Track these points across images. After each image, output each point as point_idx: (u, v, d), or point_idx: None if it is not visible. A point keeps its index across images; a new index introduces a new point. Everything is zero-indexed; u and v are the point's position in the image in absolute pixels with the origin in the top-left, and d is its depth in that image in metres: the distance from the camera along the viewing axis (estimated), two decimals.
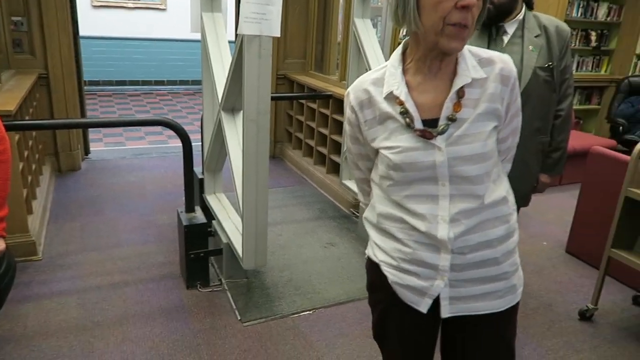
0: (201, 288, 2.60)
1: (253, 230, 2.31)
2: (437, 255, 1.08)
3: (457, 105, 1.03)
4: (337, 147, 4.04)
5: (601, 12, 5.46)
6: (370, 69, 2.95)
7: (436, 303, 1.11)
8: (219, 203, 2.93)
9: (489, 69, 1.06)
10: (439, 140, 1.03)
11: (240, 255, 2.39)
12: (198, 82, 8.90)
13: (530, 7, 1.91)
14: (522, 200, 2.01)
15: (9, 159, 1.64)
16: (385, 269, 1.16)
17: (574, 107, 5.40)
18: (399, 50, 1.11)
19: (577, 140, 4.56)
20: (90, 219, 3.39)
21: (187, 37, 7.92)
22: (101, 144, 5.34)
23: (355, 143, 1.20)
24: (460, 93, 1.04)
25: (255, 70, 2.09)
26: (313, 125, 4.41)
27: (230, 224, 2.68)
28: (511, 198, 1.14)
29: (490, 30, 1.88)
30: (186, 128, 2.66)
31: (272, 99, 2.72)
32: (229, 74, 2.38)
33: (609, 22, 5.56)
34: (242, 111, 2.21)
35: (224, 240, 2.61)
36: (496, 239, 1.09)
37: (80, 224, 3.30)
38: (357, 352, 2.19)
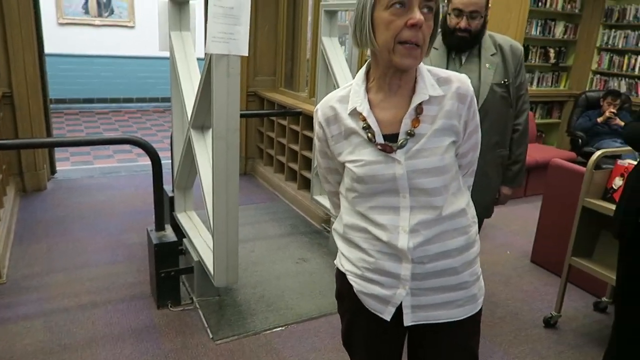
0: (172, 307, 2.58)
1: (224, 247, 2.32)
2: (398, 265, 1.12)
3: (416, 121, 1.09)
4: (307, 163, 4.08)
5: (558, 31, 5.72)
6: (338, 86, 3.02)
7: (400, 312, 1.15)
8: (189, 221, 2.91)
9: (446, 88, 1.12)
10: (399, 154, 1.08)
11: (212, 272, 2.39)
12: (168, 100, 8.79)
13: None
14: (484, 211, 2.09)
15: None
16: (351, 278, 1.20)
17: (536, 121, 5.62)
18: (363, 69, 1.16)
19: (539, 153, 4.74)
20: (56, 239, 3.31)
21: (157, 55, 7.88)
22: (68, 163, 5.24)
23: (324, 157, 1.25)
24: (419, 110, 1.09)
25: (224, 89, 2.11)
26: (284, 141, 4.45)
27: (201, 242, 2.67)
28: (471, 211, 1.20)
29: (448, 50, 1.97)
30: (156, 146, 2.66)
31: (243, 116, 2.75)
32: (198, 92, 2.40)
33: (565, 40, 5.83)
34: (211, 129, 2.23)
35: (195, 258, 2.60)
36: (455, 249, 1.13)
37: (46, 245, 3.23)
38: None
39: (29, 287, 2.70)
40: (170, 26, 2.73)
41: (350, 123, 1.13)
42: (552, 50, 5.82)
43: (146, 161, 5.17)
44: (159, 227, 2.64)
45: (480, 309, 1.24)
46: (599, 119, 4.85)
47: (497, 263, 3.31)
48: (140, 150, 5.28)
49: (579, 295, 2.90)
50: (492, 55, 1.94)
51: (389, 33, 1.02)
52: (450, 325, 1.18)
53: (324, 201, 3.49)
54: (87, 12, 8.19)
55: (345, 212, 1.21)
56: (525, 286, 3.02)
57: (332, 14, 3.30)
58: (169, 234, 2.63)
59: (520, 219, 4.11)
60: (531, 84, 5.83)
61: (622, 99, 4.89)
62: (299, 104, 4.21)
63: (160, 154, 2.65)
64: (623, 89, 5.49)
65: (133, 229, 3.52)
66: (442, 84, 1.12)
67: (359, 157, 1.12)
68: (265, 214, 4.02)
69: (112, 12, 8.36)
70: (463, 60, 1.97)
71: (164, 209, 2.72)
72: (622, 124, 4.72)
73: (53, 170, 4.62)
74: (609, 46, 5.65)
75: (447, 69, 1.90)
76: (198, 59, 2.72)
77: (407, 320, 1.15)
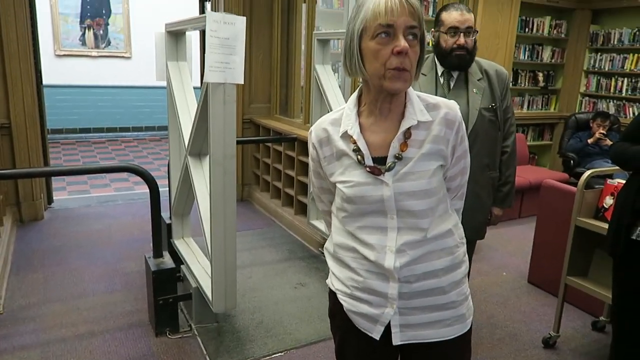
0: (171, 335, 2.57)
1: (222, 273, 2.33)
2: (386, 284, 1.15)
3: (404, 145, 1.13)
4: (304, 189, 4.11)
5: (546, 55, 5.87)
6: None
7: (390, 331, 1.17)
8: (187, 247, 2.92)
9: (435, 113, 1.16)
10: (387, 177, 1.12)
11: (210, 298, 2.39)
12: (164, 128, 8.92)
13: None
14: (477, 233, 2.11)
15: None
16: (341, 297, 1.23)
17: (528, 143, 5.71)
18: (355, 94, 1.21)
19: (532, 174, 4.80)
20: (53, 269, 3.31)
21: (152, 84, 7.99)
22: (65, 193, 5.25)
23: (317, 177, 1.29)
24: (407, 134, 1.14)
25: (221, 116, 2.16)
26: (280, 167, 4.49)
27: (199, 268, 2.68)
28: (458, 232, 1.23)
29: (436, 76, 2.03)
30: (153, 174, 2.68)
31: (239, 142, 2.79)
32: (195, 119, 2.45)
33: (553, 64, 5.98)
34: (208, 155, 2.27)
35: (193, 284, 2.60)
36: (441, 269, 1.16)
37: (43, 275, 3.22)
38: None
39: (25, 318, 2.69)
40: (168, 56, 2.80)
41: (342, 145, 1.17)
42: (540, 74, 5.95)
43: (143, 189, 5.22)
44: (157, 254, 2.65)
45: (470, 329, 1.25)
46: (590, 140, 4.93)
47: (495, 284, 3.32)
48: (137, 179, 5.28)
49: (576, 315, 2.91)
50: (478, 80, 2.00)
51: (378, 61, 1.07)
52: (440, 345, 1.19)
53: (321, 226, 3.51)
54: (84, 43, 8.32)
55: (335, 231, 1.25)
56: (523, 307, 3.02)
57: (324, 42, 3.39)
58: (167, 260, 2.63)
59: (516, 239, 4.14)
60: (522, 106, 5.94)
61: (611, 120, 4.99)
62: (294, 130, 4.27)
63: (158, 182, 2.67)
64: (612, 111, 5.60)
65: (130, 257, 3.51)
66: (431, 110, 1.16)
67: (349, 178, 1.16)
68: (262, 239, 4.03)
69: (109, 43, 8.50)
70: (451, 86, 2.02)
71: (161, 235, 2.74)
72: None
73: (50, 200, 4.63)
74: (596, 69, 5.79)
75: (435, 94, 1.95)
76: (194, 88, 2.78)
77: (396, 340, 1.17)
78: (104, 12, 8.36)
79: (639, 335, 1.87)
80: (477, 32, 1.97)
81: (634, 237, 1.80)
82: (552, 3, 5.48)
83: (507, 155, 2.11)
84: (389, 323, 1.17)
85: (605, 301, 2.42)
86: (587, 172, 2.40)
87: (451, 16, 1.92)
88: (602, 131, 4.89)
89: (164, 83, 2.87)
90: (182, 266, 2.81)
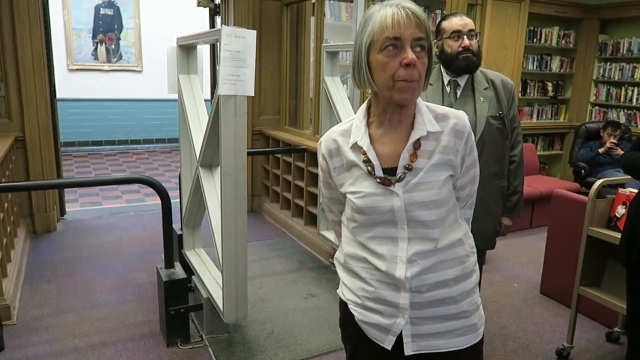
0: (182, 345, 2.57)
1: (233, 283, 2.34)
2: (397, 294, 1.15)
3: (414, 156, 1.14)
4: (313, 199, 4.12)
5: (554, 65, 5.87)
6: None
7: (402, 341, 1.17)
8: (198, 258, 2.94)
9: (444, 124, 1.17)
10: (397, 187, 1.13)
11: (221, 308, 2.40)
12: (174, 140, 9.00)
13: None
14: (487, 243, 2.10)
15: None
16: (352, 307, 1.23)
17: (538, 153, 5.68)
18: (364, 105, 1.22)
19: (542, 184, 4.77)
20: (66, 280, 3.34)
21: (163, 97, 8.08)
22: (77, 204, 5.30)
23: (327, 188, 1.30)
24: (417, 145, 1.15)
25: (232, 128, 2.19)
26: (289, 178, 4.51)
27: (210, 278, 2.69)
28: (469, 241, 1.23)
29: (443, 86, 2.04)
30: (164, 185, 2.71)
31: (249, 154, 2.82)
32: (206, 131, 2.48)
33: (562, 73, 5.97)
34: (219, 167, 2.29)
35: (204, 295, 2.61)
36: (452, 278, 1.16)
37: (56, 285, 3.25)
38: None
39: (39, 328, 2.71)
40: (179, 70, 2.84)
41: (352, 156, 1.18)
42: (549, 84, 5.94)
43: (154, 201, 5.25)
44: (169, 264, 2.66)
45: (482, 339, 1.25)
46: (601, 150, 4.91)
47: (507, 295, 3.29)
48: (148, 190, 5.32)
49: (590, 326, 2.88)
50: (485, 89, 2.01)
51: (386, 74, 1.08)
52: (452, 355, 1.19)
53: (331, 236, 3.52)
54: (96, 58, 8.46)
55: (345, 241, 1.26)
56: (535, 318, 2.99)
57: (333, 54, 3.43)
58: (179, 271, 2.65)
59: (527, 250, 4.11)
60: (531, 116, 5.92)
61: (622, 130, 4.96)
62: (304, 141, 4.29)
63: (169, 193, 2.70)
64: (622, 120, 5.57)
65: (142, 268, 3.54)
66: (440, 120, 1.17)
67: (359, 188, 1.16)
68: (272, 250, 4.03)
69: (120, 57, 8.63)
70: (458, 95, 2.03)
71: (173, 246, 2.76)
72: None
73: (63, 212, 4.69)
74: (605, 78, 5.77)
75: (442, 103, 1.96)
76: (205, 100, 2.82)
77: (408, 350, 1.17)
78: (115, 27, 8.51)
79: None
80: (480, 34, 1.98)
81: None
82: (559, 13, 5.48)
83: (515, 165, 2.11)
84: (401, 333, 1.16)
85: (620, 312, 2.40)
86: (599, 182, 2.39)
87: (452, 22, 1.95)
88: (613, 140, 4.86)
89: (174, 96, 2.91)
90: (193, 277, 2.83)
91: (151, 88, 8.62)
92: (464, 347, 1.19)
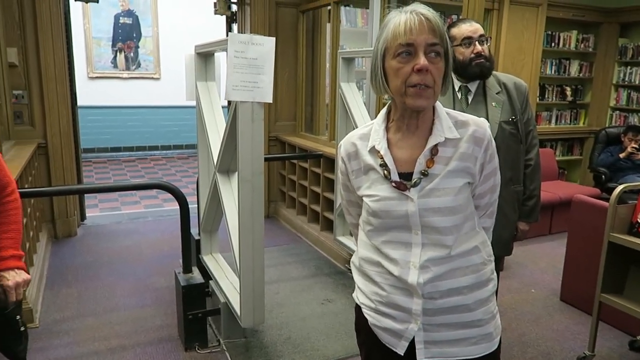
0: (199, 349, 2.59)
1: (250, 288, 2.35)
2: (410, 299, 1.15)
3: (430, 162, 1.14)
4: (330, 205, 4.13)
5: (573, 69, 5.79)
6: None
7: (414, 347, 1.16)
8: (215, 263, 2.97)
9: (463, 131, 1.17)
10: (412, 192, 1.13)
11: (239, 313, 2.41)
12: (191, 146, 9.10)
13: None
14: (503, 249, 2.07)
15: (20, 206, 1.77)
16: (365, 312, 1.24)
17: (557, 158, 5.61)
18: (384, 110, 1.23)
19: (562, 190, 4.71)
20: (86, 284, 3.39)
21: (181, 104, 8.19)
22: (97, 210, 5.40)
23: (345, 190, 1.32)
24: (434, 150, 1.15)
25: (249, 134, 2.21)
26: (305, 184, 4.52)
27: (228, 283, 2.71)
28: (486, 249, 1.22)
29: (454, 92, 2.02)
30: (182, 191, 2.75)
31: (266, 159, 2.84)
32: (223, 137, 2.50)
33: (581, 78, 5.89)
34: (237, 172, 2.31)
35: (222, 299, 2.63)
36: (466, 286, 1.15)
37: (76, 289, 3.30)
38: None
39: (60, 331, 2.76)
40: (197, 77, 2.88)
41: (369, 160, 1.19)
42: (568, 89, 5.87)
43: (172, 206, 5.32)
44: (187, 269, 2.69)
45: (499, 348, 1.23)
46: (621, 155, 4.82)
47: (526, 302, 3.25)
48: (166, 196, 5.37)
49: (612, 334, 2.82)
50: (497, 93, 1.98)
51: (399, 79, 1.09)
52: None
53: (347, 242, 3.51)
54: (115, 66, 8.62)
55: (361, 244, 1.26)
56: (555, 325, 2.95)
57: (349, 60, 3.44)
58: (196, 275, 2.68)
59: (547, 256, 4.05)
60: (549, 121, 5.86)
61: None
62: (320, 147, 4.31)
63: (186, 199, 2.73)
64: None
65: (160, 273, 3.58)
66: (460, 127, 1.17)
67: (375, 192, 1.17)
68: (288, 255, 4.05)
69: (139, 65, 8.78)
70: (469, 100, 2.00)
71: (191, 251, 2.79)
72: None
73: (83, 217, 4.77)
74: (626, 82, 5.68)
75: (453, 109, 1.95)
76: (222, 107, 2.85)
77: (420, 356, 1.16)
78: (134, 35, 8.67)
79: None
80: (490, 38, 1.96)
81: None
82: (578, 17, 5.42)
83: (530, 169, 2.08)
84: (414, 339, 1.16)
85: None
86: (620, 187, 2.35)
87: (461, 29, 1.93)
88: (634, 145, 4.78)
89: (191, 103, 2.95)
90: (210, 281, 2.85)
91: (169, 95, 8.74)
92: (478, 355, 1.18)
